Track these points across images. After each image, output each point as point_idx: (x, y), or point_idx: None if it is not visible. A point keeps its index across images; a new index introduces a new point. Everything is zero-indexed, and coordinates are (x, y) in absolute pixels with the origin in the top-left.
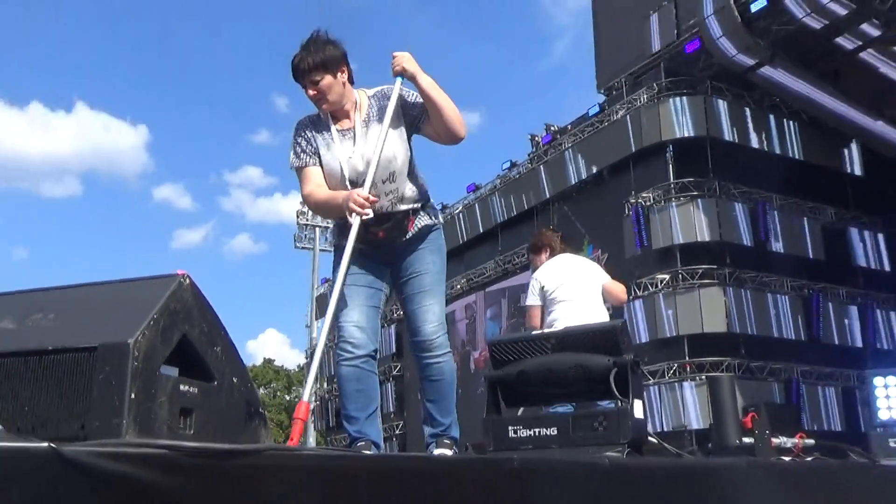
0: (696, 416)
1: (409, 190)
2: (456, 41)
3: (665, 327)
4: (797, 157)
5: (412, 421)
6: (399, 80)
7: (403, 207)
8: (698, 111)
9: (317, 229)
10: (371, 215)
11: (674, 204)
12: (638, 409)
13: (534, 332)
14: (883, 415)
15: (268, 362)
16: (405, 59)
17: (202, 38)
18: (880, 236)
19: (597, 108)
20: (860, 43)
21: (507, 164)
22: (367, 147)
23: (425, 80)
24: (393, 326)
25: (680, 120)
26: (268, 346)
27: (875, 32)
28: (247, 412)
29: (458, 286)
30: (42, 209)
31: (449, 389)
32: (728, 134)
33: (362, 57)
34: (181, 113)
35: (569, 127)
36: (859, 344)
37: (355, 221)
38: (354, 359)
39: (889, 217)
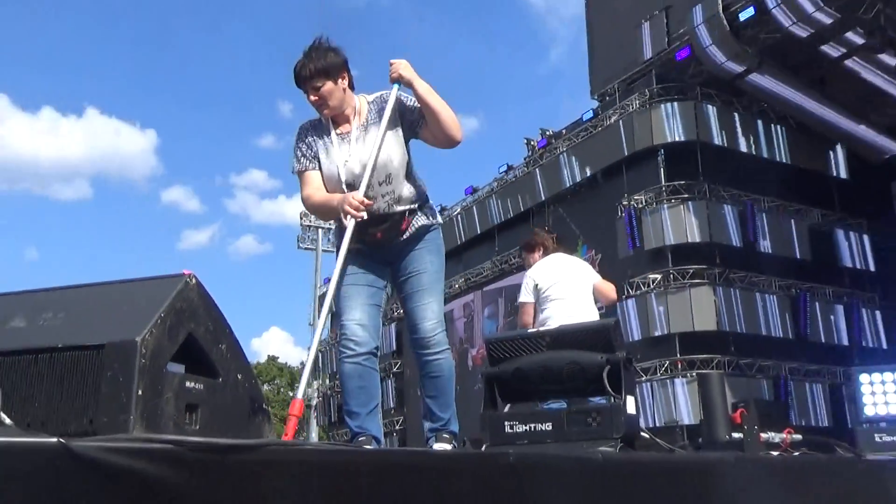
0: (687, 411)
1: (407, 191)
2: (454, 47)
3: (657, 326)
4: (785, 160)
5: (412, 416)
6: (396, 86)
7: (400, 208)
8: (689, 116)
9: (319, 231)
10: (365, 218)
11: (665, 206)
12: (630, 405)
13: (529, 331)
14: (868, 411)
15: (272, 359)
16: (402, 66)
17: (209, 47)
18: (865, 238)
19: (591, 114)
20: (845, 51)
21: (504, 168)
22: (364, 150)
23: (422, 86)
24: (393, 325)
25: (671, 125)
26: (272, 343)
27: (859, 40)
28: (251, 408)
29: (457, 286)
30: (53, 211)
31: (448, 385)
32: (717, 138)
33: (363, 62)
34: (189, 118)
35: (563, 131)
36: (845, 342)
37: (349, 224)
38: (357, 356)
39: (874, 219)
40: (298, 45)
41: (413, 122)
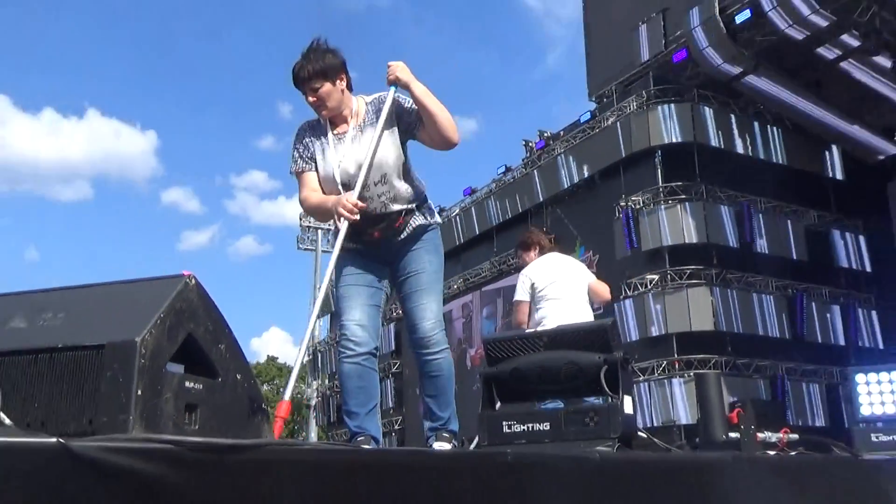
0: (684, 411)
1: (404, 191)
2: (452, 50)
3: (654, 326)
4: (781, 162)
5: (410, 416)
6: (393, 88)
7: (397, 207)
8: (685, 118)
9: (319, 232)
10: (358, 219)
11: (662, 207)
12: (628, 405)
13: (527, 331)
14: (865, 410)
15: (271, 359)
16: (399, 69)
17: (210, 48)
18: (861, 238)
19: (588, 115)
20: (840, 53)
21: (502, 169)
22: (359, 151)
23: (419, 89)
24: (392, 325)
25: (668, 126)
26: (271, 343)
27: (855, 43)
28: (250, 408)
29: (455, 286)
30: (53, 212)
31: (447, 384)
32: (714, 140)
33: (362, 65)
34: (189, 119)
35: (561, 133)
36: (842, 342)
37: (343, 225)
38: (356, 356)
39: (869, 219)
40: (298, 46)
41: (410, 123)
